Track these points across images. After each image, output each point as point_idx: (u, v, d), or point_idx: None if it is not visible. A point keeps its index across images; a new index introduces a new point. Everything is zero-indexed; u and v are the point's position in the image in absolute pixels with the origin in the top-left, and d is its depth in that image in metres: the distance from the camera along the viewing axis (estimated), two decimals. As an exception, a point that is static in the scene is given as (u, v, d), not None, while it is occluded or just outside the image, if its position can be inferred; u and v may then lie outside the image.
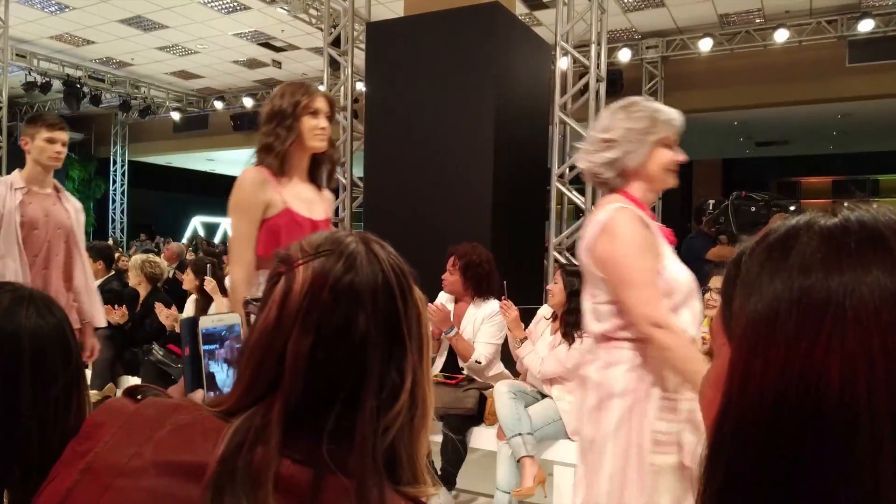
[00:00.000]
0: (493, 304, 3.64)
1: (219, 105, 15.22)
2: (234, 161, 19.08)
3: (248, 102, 14.76)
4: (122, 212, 17.97)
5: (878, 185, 16.98)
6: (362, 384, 0.79)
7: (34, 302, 1.05)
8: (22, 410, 0.99)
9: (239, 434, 0.76)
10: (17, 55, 12.13)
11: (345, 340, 0.79)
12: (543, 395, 3.37)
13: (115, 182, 17.74)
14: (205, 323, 1.02)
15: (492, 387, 3.41)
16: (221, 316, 1.06)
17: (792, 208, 4.52)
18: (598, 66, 6.07)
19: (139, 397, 0.86)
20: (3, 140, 10.06)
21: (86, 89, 13.65)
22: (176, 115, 15.69)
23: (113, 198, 17.79)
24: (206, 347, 1.02)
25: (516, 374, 3.66)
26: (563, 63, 6.27)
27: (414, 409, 0.82)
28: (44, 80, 12.99)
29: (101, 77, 14.01)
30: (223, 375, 1.03)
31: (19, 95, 13.99)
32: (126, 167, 17.79)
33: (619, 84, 11.02)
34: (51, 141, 3.23)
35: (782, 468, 0.48)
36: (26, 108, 15.90)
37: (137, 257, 5.20)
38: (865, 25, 9.40)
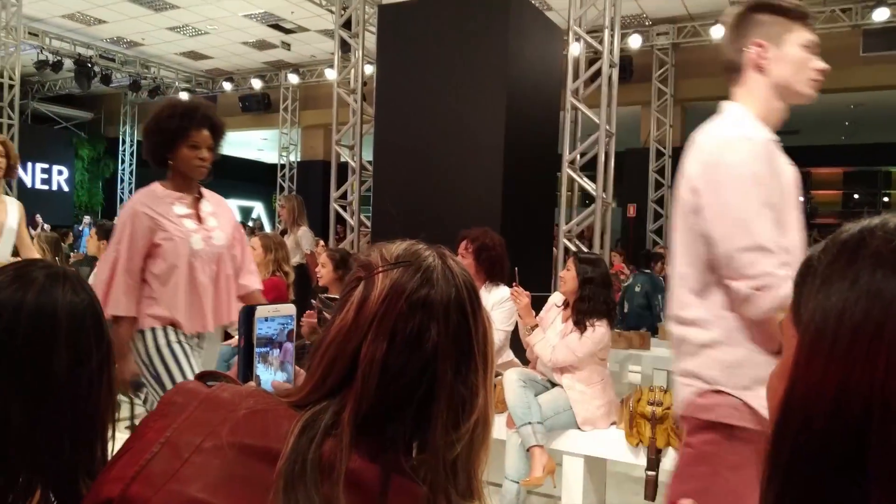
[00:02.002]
0: (503, 291, 3.62)
1: (227, 86, 15.20)
2: (241, 143, 19.06)
3: (256, 84, 14.72)
4: (130, 192, 17.97)
5: (890, 176, 16.86)
6: (433, 396, 0.82)
7: (69, 279, 1.06)
8: (57, 386, 1.00)
9: (308, 428, 0.79)
10: (29, 34, 12.12)
11: (418, 349, 0.82)
12: (553, 384, 3.36)
13: (123, 162, 17.76)
14: (261, 313, 1.04)
15: (501, 374, 3.40)
16: (278, 307, 1.07)
17: (801, 199, 4.47)
18: (611, 51, 6.01)
19: (210, 384, 0.88)
20: (16, 118, 10.07)
21: (96, 68, 13.63)
22: (185, 96, 15.65)
23: (121, 177, 17.83)
24: (257, 350, 1.03)
25: (526, 362, 3.66)
26: (574, 48, 6.22)
27: (478, 426, 0.85)
28: (55, 59, 12.98)
29: (112, 56, 14.00)
30: (267, 379, 1.04)
31: (31, 74, 13.98)
32: (135, 147, 17.79)
33: (628, 71, 10.94)
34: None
35: (847, 445, 0.50)
36: (37, 87, 15.89)
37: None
38: (880, 14, 9.28)
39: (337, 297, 0.86)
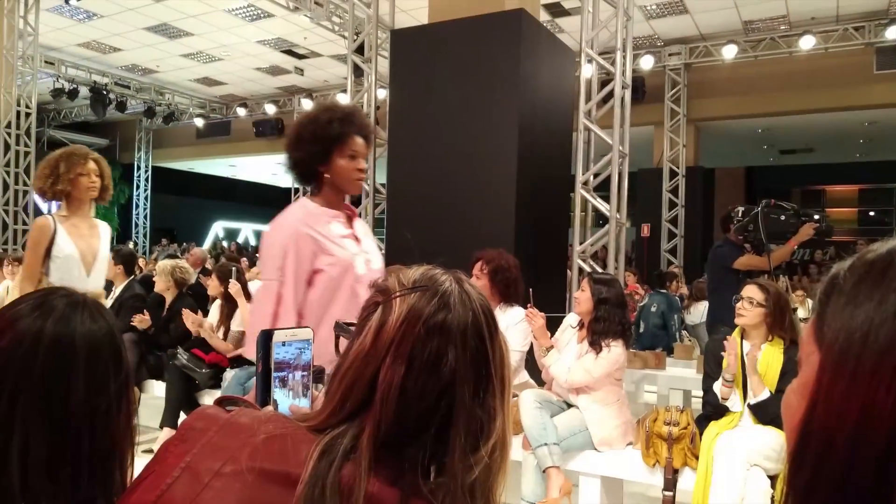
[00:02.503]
0: (517, 312, 3.61)
1: (241, 112, 15.37)
2: (255, 167, 19.24)
3: (270, 109, 14.87)
4: (145, 217, 18.17)
5: (906, 193, 16.74)
6: (452, 420, 0.82)
7: (87, 307, 1.07)
8: (75, 415, 1.00)
9: (327, 452, 0.79)
10: (45, 62, 12.32)
11: (435, 374, 0.82)
12: (570, 405, 3.34)
13: (138, 187, 17.95)
14: (278, 338, 1.04)
15: (517, 396, 3.38)
16: (295, 331, 1.08)
17: (816, 217, 4.44)
18: (624, 72, 6.04)
19: (229, 409, 0.88)
20: (32, 145, 10.21)
21: (112, 96, 13.86)
22: (199, 122, 15.84)
23: (136, 203, 18.01)
24: (275, 374, 1.04)
25: (541, 383, 3.64)
26: (587, 70, 6.24)
27: (496, 449, 0.86)
28: (71, 87, 13.21)
29: (127, 84, 14.22)
30: (284, 403, 1.04)
31: (47, 102, 14.21)
32: (150, 173, 17.99)
33: (641, 91, 10.97)
34: None
35: (871, 468, 0.48)
36: (53, 114, 16.14)
37: (167, 263, 5.20)
38: (893, 32, 9.28)
39: (354, 322, 0.87)
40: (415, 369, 0.82)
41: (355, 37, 7.69)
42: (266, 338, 1.04)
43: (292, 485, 0.76)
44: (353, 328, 0.91)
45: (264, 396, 1.03)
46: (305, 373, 1.09)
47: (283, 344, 1.06)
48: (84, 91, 13.40)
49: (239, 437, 0.81)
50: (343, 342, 0.93)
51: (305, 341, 1.09)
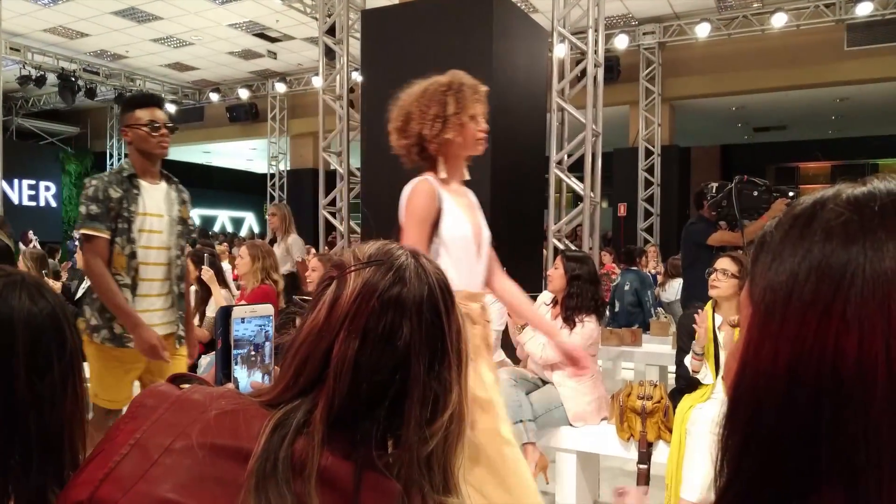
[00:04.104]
0: (492, 291, 3.61)
1: (214, 97, 15.17)
2: (230, 153, 19.04)
3: (243, 94, 14.70)
4: (119, 205, 17.91)
5: (878, 169, 16.96)
6: (406, 393, 0.82)
7: (26, 287, 1.02)
8: (18, 399, 0.96)
9: (280, 426, 0.79)
10: (10, 49, 12.06)
11: (389, 347, 0.82)
12: (545, 382, 3.36)
13: (111, 176, 17.68)
14: (238, 314, 1.03)
15: (493, 374, 3.39)
16: (255, 307, 1.07)
17: (791, 194, 4.48)
18: (596, 51, 6.03)
19: (182, 386, 0.87)
20: (-1, 134, 10.02)
21: (80, 82, 13.58)
22: (171, 108, 15.62)
23: (110, 191, 17.75)
24: (235, 352, 1.02)
25: (517, 361, 3.65)
26: (559, 49, 6.23)
27: (453, 422, 0.86)
28: (38, 74, 12.93)
29: (96, 70, 13.95)
30: (245, 380, 1.03)
31: (14, 89, 13.93)
32: (123, 161, 17.73)
33: (615, 70, 10.97)
34: None
35: (799, 430, 0.47)
36: (21, 102, 15.83)
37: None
38: (864, 9, 9.35)
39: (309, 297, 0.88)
40: (369, 343, 0.82)
41: (327, 18, 7.61)
42: (225, 315, 1.03)
43: (244, 460, 0.76)
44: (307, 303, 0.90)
45: (224, 373, 1.02)
46: (266, 349, 1.08)
47: (243, 321, 1.05)
48: (52, 78, 13.12)
49: (190, 413, 0.81)
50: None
51: (266, 318, 1.08)
